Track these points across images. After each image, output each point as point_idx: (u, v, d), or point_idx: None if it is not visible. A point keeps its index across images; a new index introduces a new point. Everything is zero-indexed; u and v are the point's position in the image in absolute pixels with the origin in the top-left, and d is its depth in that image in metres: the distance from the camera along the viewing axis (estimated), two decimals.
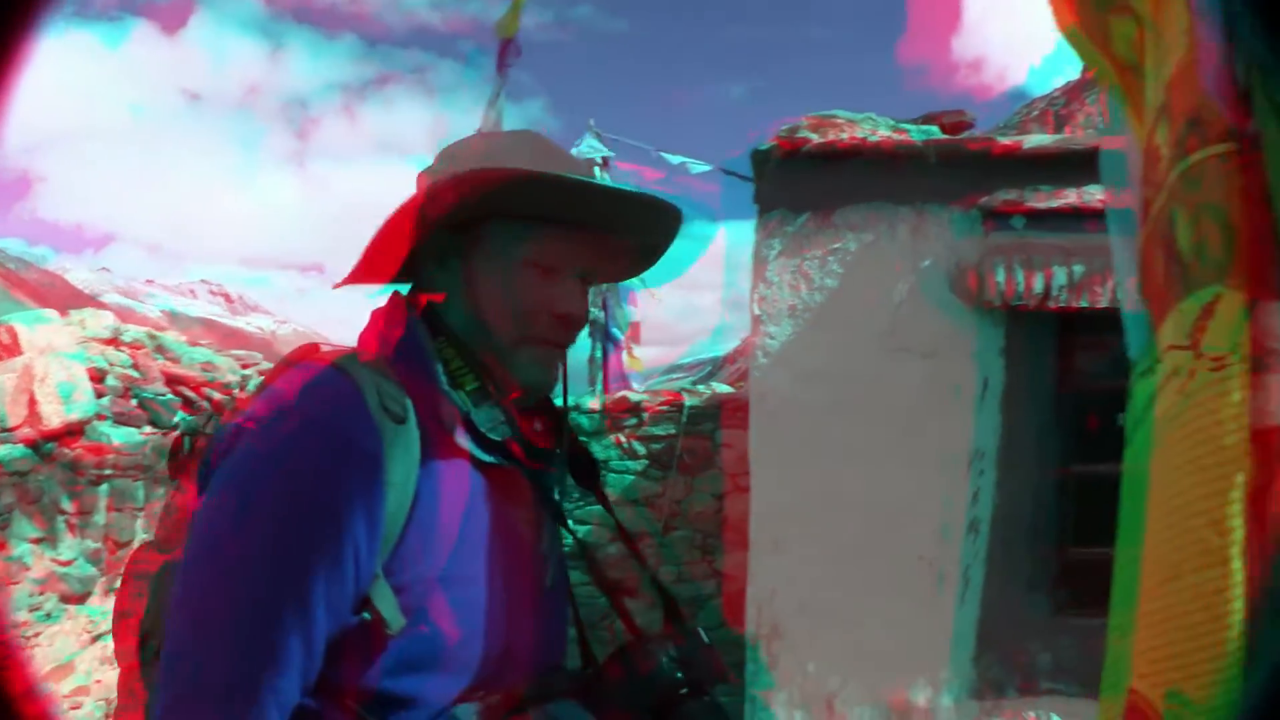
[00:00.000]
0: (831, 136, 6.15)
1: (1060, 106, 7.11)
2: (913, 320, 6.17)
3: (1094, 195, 5.84)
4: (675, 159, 12.45)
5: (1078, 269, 5.63)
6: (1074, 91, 6.98)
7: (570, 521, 1.88)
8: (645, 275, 2.12)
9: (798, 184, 6.25)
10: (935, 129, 6.29)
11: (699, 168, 12.06)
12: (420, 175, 1.80)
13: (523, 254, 1.70)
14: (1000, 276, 5.85)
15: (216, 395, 7.64)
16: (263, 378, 1.71)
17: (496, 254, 1.71)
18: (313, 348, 1.70)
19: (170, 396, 6.99)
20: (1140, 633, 1.58)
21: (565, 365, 1.84)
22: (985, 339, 6.12)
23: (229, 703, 1.42)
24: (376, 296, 1.80)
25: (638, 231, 1.86)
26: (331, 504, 1.46)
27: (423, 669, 1.55)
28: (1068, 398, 6.10)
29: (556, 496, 1.82)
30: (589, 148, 12.38)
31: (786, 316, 6.19)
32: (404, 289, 1.83)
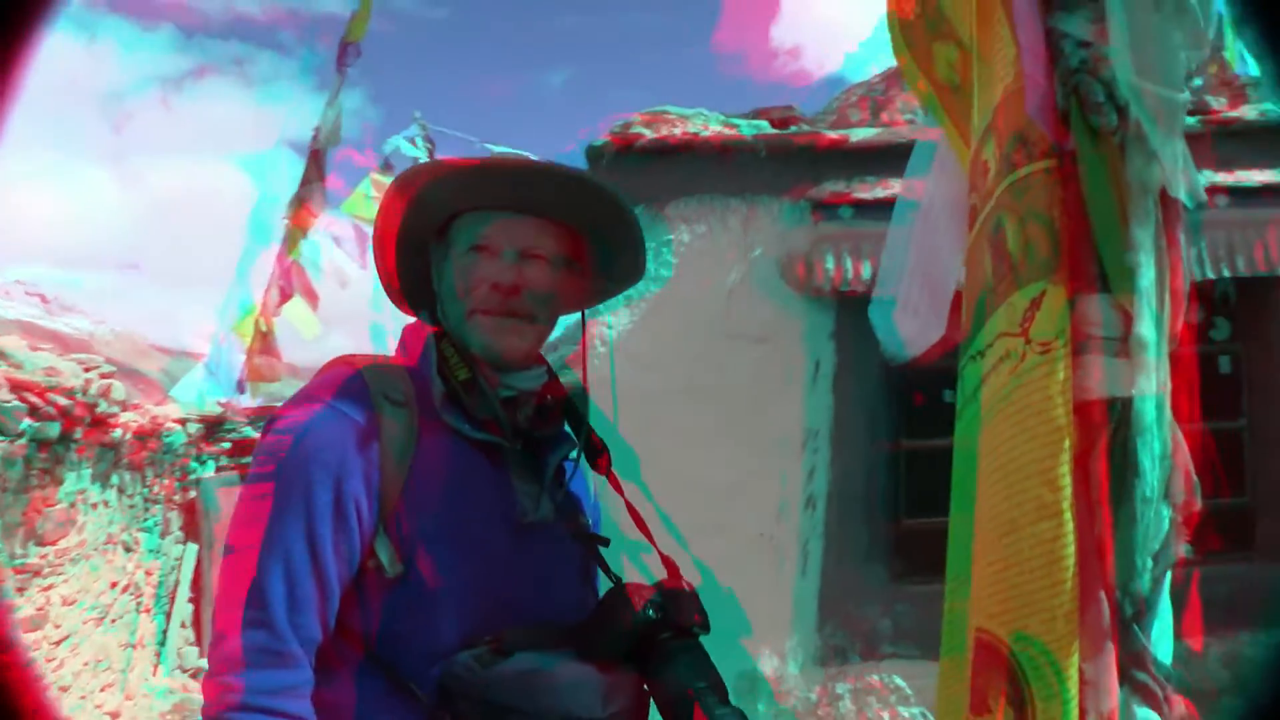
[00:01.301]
0: (664, 132, 6.35)
1: (878, 94, 7.38)
2: (745, 307, 6.41)
3: None
4: (500, 150, 12.50)
5: None
6: (891, 79, 7.26)
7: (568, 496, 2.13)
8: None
9: (631, 178, 6.39)
10: (764, 124, 6.53)
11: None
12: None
13: (470, 241, 1.99)
14: (829, 264, 6.13)
15: (61, 400, 7.54)
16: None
17: (456, 247, 2.01)
18: (346, 357, 2.02)
19: (16, 404, 6.87)
20: (982, 584, 1.85)
21: (584, 373, 2.20)
22: (815, 324, 6.40)
23: (258, 631, 1.74)
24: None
25: (564, 212, 2.07)
26: (336, 471, 1.79)
27: (416, 615, 1.84)
28: (895, 377, 6.40)
29: (550, 471, 2.06)
30: (412, 139, 12.34)
31: (623, 306, 6.37)
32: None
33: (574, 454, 2.12)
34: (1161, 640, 1.82)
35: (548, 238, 2.04)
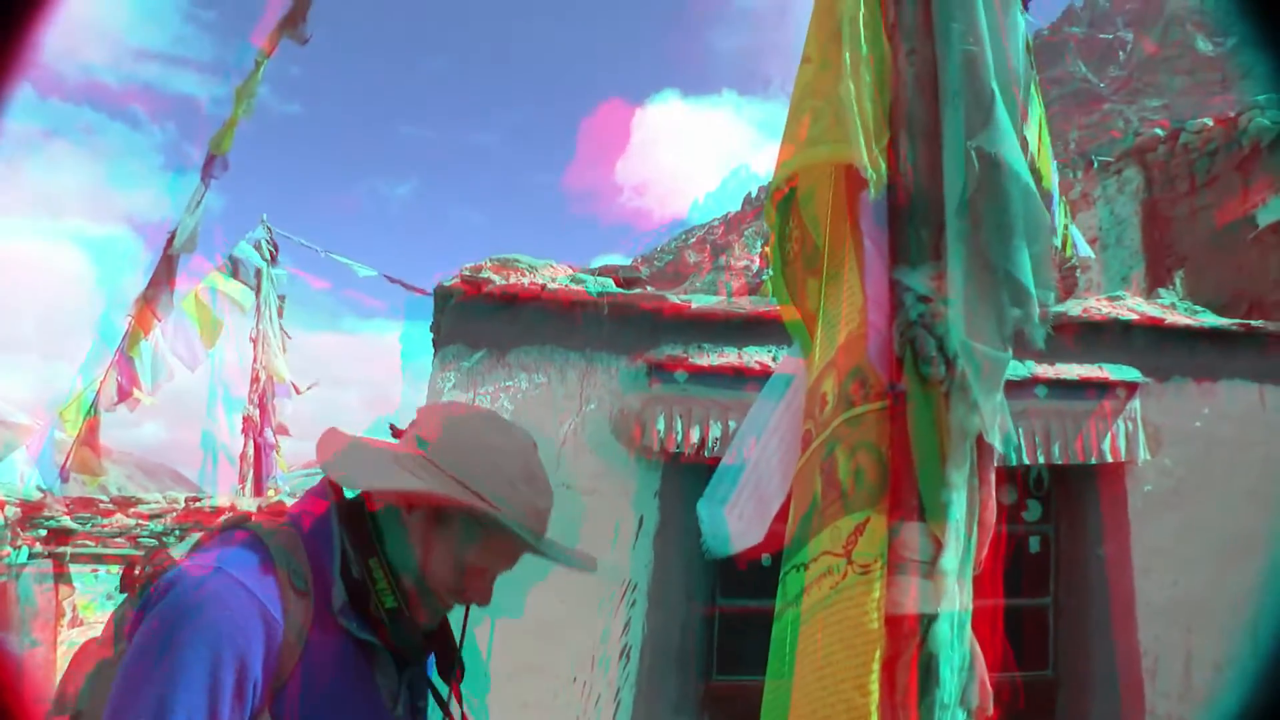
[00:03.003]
0: (513, 280, 6.47)
1: (716, 236, 7.56)
2: (576, 459, 6.51)
3: (753, 357, 6.34)
4: (343, 261, 12.54)
5: (733, 424, 6.07)
6: (732, 224, 7.46)
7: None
8: None
9: (476, 323, 6.54)
10: (609, 282, 6.67)
11: (365, 272, 12.19)
12: (416, 424, 2.29)
13: (472, 555, 2.18)
14: (660, 426, 6.27)
15: None
16: (200, 536, 2.11)
17: (452, 537, 2.17)
18: (244, 516, 2.13)
19: None
20: None
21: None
22: (643, 481, 6.53)
23: None
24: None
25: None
26: (239, 649, 1.88)
27: None
28: None
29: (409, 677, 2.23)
30: (257, 243, 12.34)
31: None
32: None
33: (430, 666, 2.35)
34: None
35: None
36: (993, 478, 2.12)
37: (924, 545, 2.00)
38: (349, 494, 2.21)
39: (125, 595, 2.08)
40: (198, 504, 12.60)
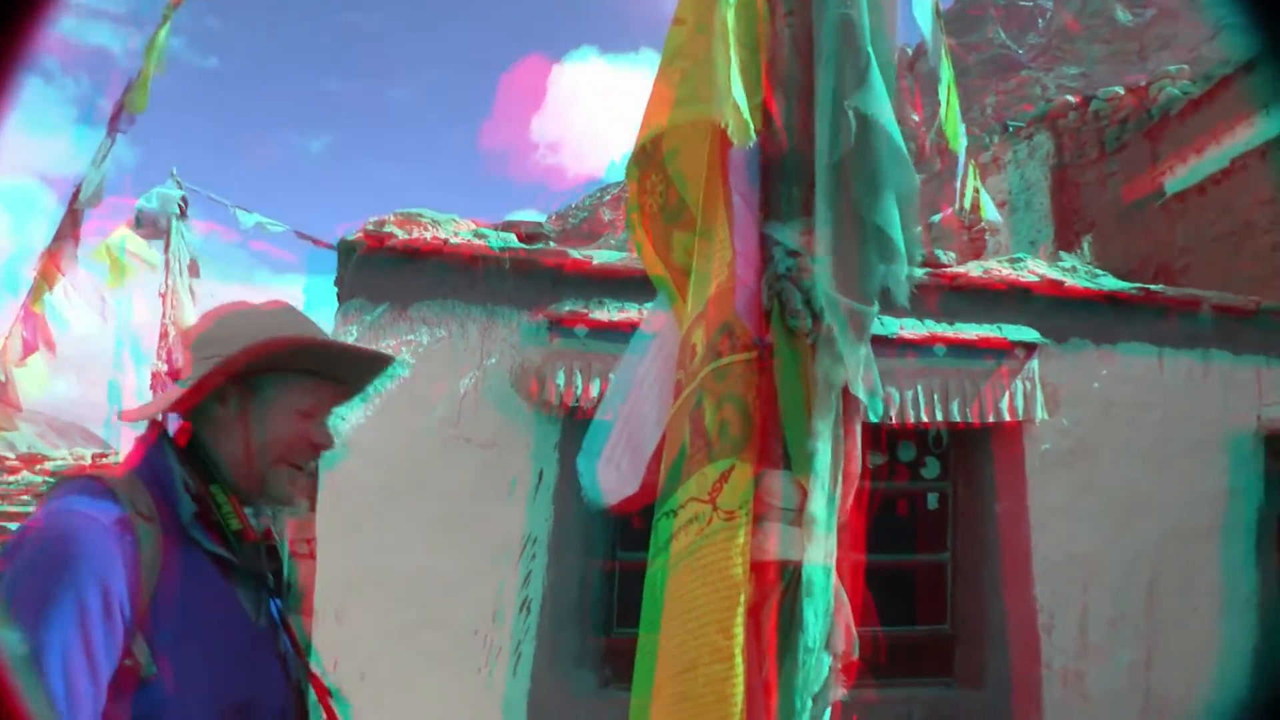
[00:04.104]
0: (416, 235, 6.45)
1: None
2: (476, 413, 6.53)
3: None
4: (251, 218, 12.41)
5: None
6: None
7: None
8: None
9: (379, 277, 6.53)
10: (512, 237, 6.67)
11: (275, 228, 12.07)
12: (186, 332, 2.35)
13: (291, 400, 2.22)
14: (560, 381, 6.30)
15: None
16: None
17: (270, 398, 2.21)
18: (81, 469, 2.12)
19: None
20: (660, 712, 2.06)
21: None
22: (542, 435, 6.56)
23: None
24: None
25: (368, 380, 2.42)
26: (98, 573, 1.89)
27: (164, 712, 1.95)
28: None
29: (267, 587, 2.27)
30: (164, 198, 12.17)
31: (357, 401, 6.39)
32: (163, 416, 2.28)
33: (280, 579, 2.35)
34: None
35: (342, 401, 2.36)
36: (858, 430, 2.17)
37: (789, 493, 2.04)
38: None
39: None
40: (104, 460, 12.48)
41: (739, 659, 1.97)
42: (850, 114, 2.02)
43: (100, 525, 1.95)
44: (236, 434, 2.20)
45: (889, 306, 2.13)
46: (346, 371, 2.35)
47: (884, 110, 2.07)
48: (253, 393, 2.20)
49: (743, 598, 1.99)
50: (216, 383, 2.17)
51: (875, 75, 2.07)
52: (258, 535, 2.24)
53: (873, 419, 6.46)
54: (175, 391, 2.21)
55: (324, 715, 2.33)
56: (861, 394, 2.10)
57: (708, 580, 2.01)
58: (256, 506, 2.26)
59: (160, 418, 2.27)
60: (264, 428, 2.20)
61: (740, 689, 1.96)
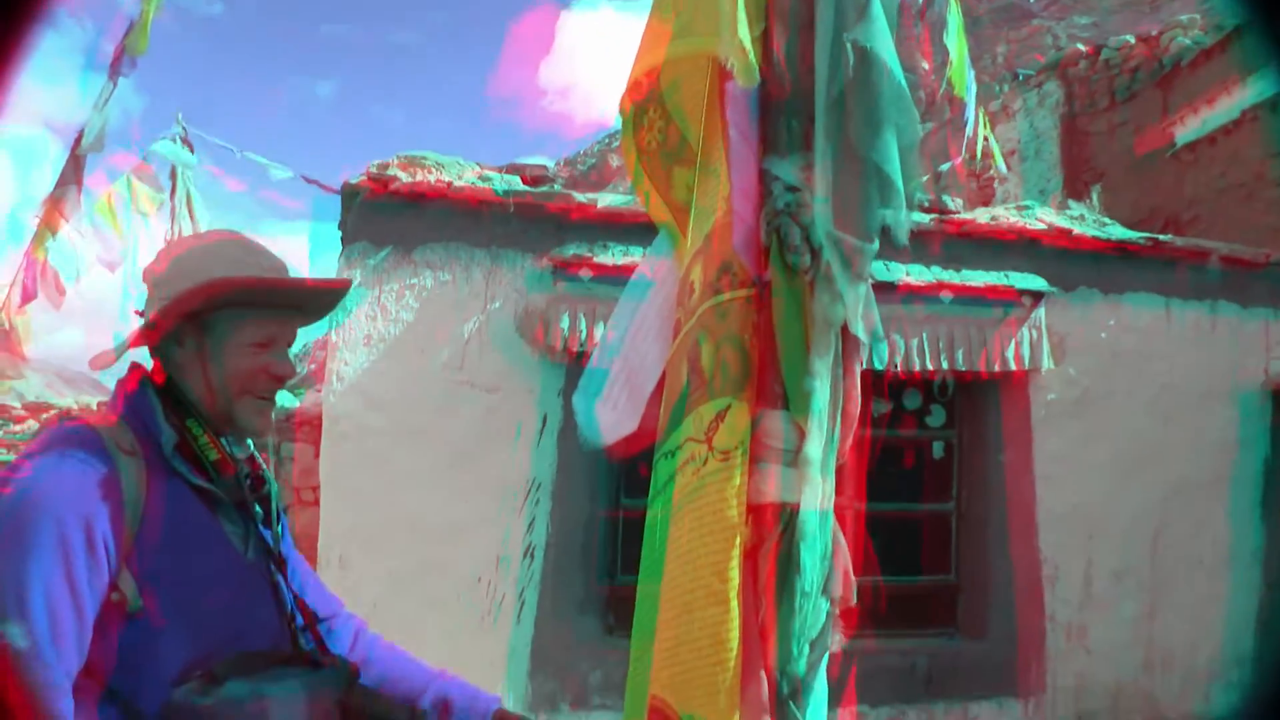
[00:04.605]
0: (420, 178, 6.41)
1: None
2: (480, 358, 6.52)
3: None
4: (259, 160, 12.36)
5: None
6: None
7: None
8: None
9: (383, 220, 6.51)
10: (517, 180, 6.63)
11: (281, 174, 12.01)
12: (145, 270, 2.33)
13: (245, 335, 2.24)
14: (565, 325, 6.28)
15: None
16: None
17: (224, 335, 2.23)
18: (65, 413, 2.15)
19: None
20: (660, 656, 2.05)
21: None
22: (547, 380, 6.55)
23: (20, 657, 1.84)
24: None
25: (323, 308, 2.44)
26: (81, 510, 1.94)
27: (150, 647, 1.98)
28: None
29: (258, 521, 2.29)
30: (171, 143, 12.14)
31: (361, 345, 6.41)
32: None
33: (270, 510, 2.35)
34: (815, 717, 2.04)
35: (298, 328, 2.39)
36: (857, 370, 2.13)
37: (787, 434, 2.01)
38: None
39: None
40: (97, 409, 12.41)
41: (734, 603, 1.95)
42: (849, 46, 1.98)
43: (82, 467, 1.99)
44: (198, 372, 2.24)
45: (894, 250, 2.09)
46: (299, 301, 2.37)
47: (885, 45, 2.03)
48: (206, 331, 2.23)
49: (739, 540, 1.97)
50: (168, 326, 2.21)
51: (877, 9, 2.03)
52: (237, 466, 2.25)
53: (877, 365, 6.44)
54: (131, 335, 2.27)
55: (313, 642, 2.32)
56: (861, 333, 2.07)
57: (704, 523, 1.99)
58: (232, 438, 2.29)
59: (141, 360, 2.31)
60: (221, 364, 2.24)
61: (736, 633, 1.94)
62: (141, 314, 2.30)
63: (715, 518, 1.98)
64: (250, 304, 2.23)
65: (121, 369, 2.32)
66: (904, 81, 2.03)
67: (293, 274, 2.38)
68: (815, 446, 2.00)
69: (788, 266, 2.02)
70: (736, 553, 1.96)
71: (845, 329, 2.05)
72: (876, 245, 2.03)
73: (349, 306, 6.25)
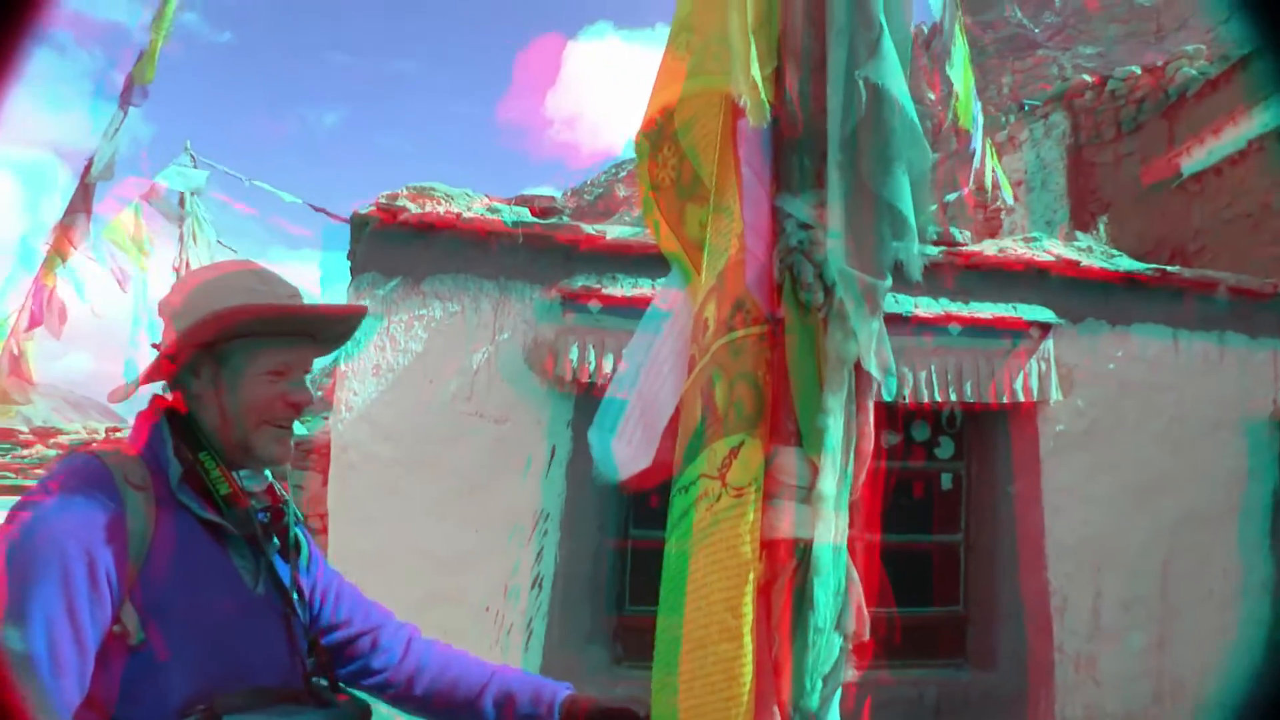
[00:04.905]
0: (429, 209, 6.44)
1: None
2: (489, 388, 6.54)
3: None
4: (267, 188, 12.42)
5: None
6: None
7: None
8: None
9: (392, 251, 6.53)
10: (526, 211, 6.65)
11: (289, 199, 12.05)
12: (160, 303, 2.32)
13: (260, 364, 2.23)
14: (574, 356, 6.29)
15: None
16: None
17: (240, 365, 2.22)
18: (86, 445, 2.13)
19: None
20: (681, 690, 2.03)
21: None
22: (556, 411, 6.56)
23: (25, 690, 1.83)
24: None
25: (338, 335, 2.45)
26: (84, 542, 1.94)
27: (152, 680, 1.98)
28: None
29: (270, 555, 2.28)
30: (179, 172, 12.21)
31: (370, 375, 6.43)
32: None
33: (286, 542, 2.34)
34: None
35: (316, 356, 2.39)
36: (870, 407, 2.14)
37: (801, 470, 2.02)
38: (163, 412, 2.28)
39: None
40: (118, 434, 12.53)
41: (748, 639, 1.95)
42: (861, 84, 1.99)
43: (88, 502, 1.99)
44: (214, 403, 2.23)
45: (903, 283, 2.10)
46: (314, 329, 2.37)
47: (897, 82, 2.04)
48: (221, 361, 2.23)
49: (752, 576, 1.98)
50: (184, 358, 2.21)
51: (888, 45, 2.04)
52: (250, 500, 2.25)
53: (886, 397, 6.44)
54: (148, 368, 2.27)
55: (327, 681, 2.32)
56: (874, 370, 2.07)
57: (718, 559, 2.00)
58: (249, 470, 2.28)
59: (162, 392, 2.31)
60: (237, 394, 2.23)
61: (749, 669, 1.94)
62: (157, 346, 2.30)
63: (729, 553, 1.99)
64: (265, 333, 2.23)
65: (142, 400, 2.33)
66: (915, 115, 2.04)
67: (307, 302, 2.38)
68: (829, 483, 2.01)
69: (801, 304, 2.03)
70: (750, 589, 1.97)
71: (858, 365, 2.06)
72: (889, 282, 2.04)
73: (363, 335, 6.26)
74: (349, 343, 2.62)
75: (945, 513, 7.65)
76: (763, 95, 2.00)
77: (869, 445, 2.12)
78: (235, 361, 2.22)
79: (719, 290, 2.13)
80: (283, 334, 2.27)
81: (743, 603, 1.95)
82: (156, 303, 2.40)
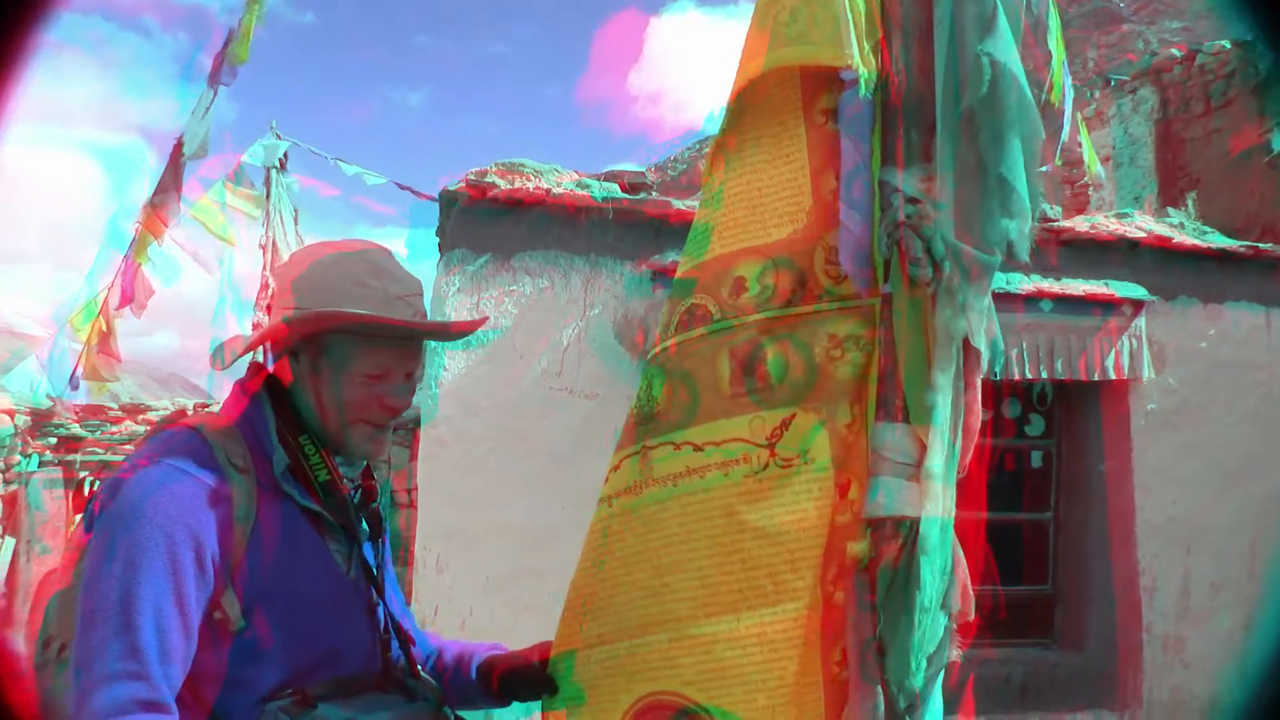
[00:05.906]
0: (518, 185, 6.43)
1: None
2: (579, 364, 6.54)
3: None
4: (352, 169, 12.48)
5: None
6: None
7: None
8: None
9: (481, 227, 6.53)
10: (615, 187, 6.64)
11: (375, 180, 12.11)
12: (277, 271, 2.36)
13: (360, 365, 2.18)
14: None
15: None
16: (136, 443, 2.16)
17: (340, 363, 2.18)
18: (180, 413, 2.14)
19: None
20: (683, 650, 2.13)
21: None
22: None
23: (134, 683, 1.85)
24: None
25: (440, 341, 2.52)
26: (191, 527, 1.94)
27: (251, 664, 2.00)
28: None
29: (363, 540, 2.28)
30: (265, 150, 12.32)
31: (460, 350, 6.44)
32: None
33: (376, 525, 2.36)
34: None
35: (418, 360, 2.31)
36: (978, 384, 2.12)
37: (905, 446, 2.01)
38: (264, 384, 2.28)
39: (79, 518, 2.12)
40: (206, 409, 12.63)
41: (788, 606, 2.03)
42: (984, 60, 1.97)
43: (194, 482, 1.98)
44: (312, 389, 2.21)
45: (1009, 260, 2.08)
46: (417, 335, 2.32)
47: (1013, 57, 2.02)
48: (324, 353, 2.19)
49: (797, 547, 2.03)
50: (285, 342, 2.19)
51: (1002, 20, 2.02)
52: (349, 487, 2.26)
53: (994, 375, 6.40)
54: (261, 332, 2.24)
55: (407, 662, 2.33)
56: (983, 346, 2.05)
57: (759, 526, 2.05)
58: (345, 458, 2.26)
59: (261, 361, 2.30)
60: (337, 388, 2.19)
61: (791, 638, 2.03)
62: (270, 310, 2.29)
63: (772, 523, 2.02)
64: (366, 335, 2.17)
65: (239, 367, 2.32)
66: (1029, 92, 2.02)
67: (426, 301, 2.31)
68: (937, 460, 1.99)
69: (908, 279, 2.02)
70: (796, 560, 2.03)
71: (966, 341, 2.04)
72: (1000, 258, 2.02)
73: (475, 340, 6.27)
74: (459, 343, 2.59)
75: (1035, 490, 7.58)
76: (869, 66, 1.99)
77: (977, 422, 2.11)
78: (336, 357, 2.19)
79: (761, 252, 2.12)
80: (385, 336, 2.20)
81: (784, 573, 2.03)
82: (273, 269, 2.40)
